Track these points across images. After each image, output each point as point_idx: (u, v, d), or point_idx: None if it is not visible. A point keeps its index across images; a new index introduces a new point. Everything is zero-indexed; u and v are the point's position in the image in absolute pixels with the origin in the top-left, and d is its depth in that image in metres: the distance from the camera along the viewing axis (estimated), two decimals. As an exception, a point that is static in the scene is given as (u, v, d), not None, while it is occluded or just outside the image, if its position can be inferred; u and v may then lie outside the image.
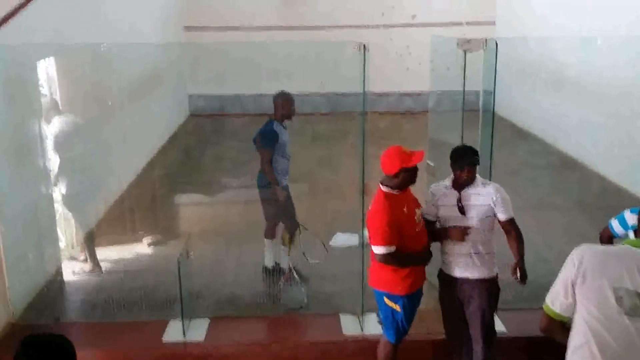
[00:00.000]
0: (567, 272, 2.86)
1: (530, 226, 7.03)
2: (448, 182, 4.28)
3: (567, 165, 9.51)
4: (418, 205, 4.22)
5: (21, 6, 5.68)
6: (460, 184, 4.21)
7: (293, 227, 5.87)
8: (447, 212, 4.24)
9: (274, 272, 5.97)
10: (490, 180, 4.57)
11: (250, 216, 6.51)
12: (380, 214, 4.02)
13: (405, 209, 4.06)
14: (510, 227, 4.21)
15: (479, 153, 4.34)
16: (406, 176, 4.04)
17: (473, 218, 4.16)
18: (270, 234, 6.09)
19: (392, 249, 4.00)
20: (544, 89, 10.79)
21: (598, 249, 2.95)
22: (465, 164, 4.17)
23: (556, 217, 7.43)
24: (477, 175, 4.24)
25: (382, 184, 4.13)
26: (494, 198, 4.16)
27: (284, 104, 5.89)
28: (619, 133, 8.40)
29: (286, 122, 5.95)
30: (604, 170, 8.80)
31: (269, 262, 6.07)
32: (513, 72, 10.76)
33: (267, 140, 5.76)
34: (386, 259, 4.04)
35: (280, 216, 6.02)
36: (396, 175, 4.03)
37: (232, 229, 7.14)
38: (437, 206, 4.28)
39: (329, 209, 7.39)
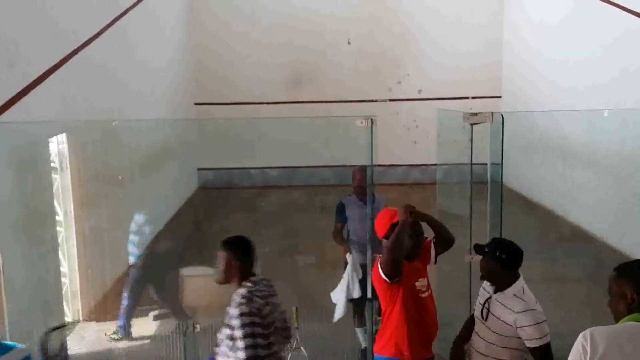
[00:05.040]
0: (577, 358, 2.67)
1: (543, 300, 6.94)
2: None
3: (578, 237, 9.41)
4: (421, 275, 4.16)
5: (34, 83, 5.83)
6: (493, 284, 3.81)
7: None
8: (476, 311, 3.90)
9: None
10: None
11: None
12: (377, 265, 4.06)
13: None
14: (537, 356, 3.61)
15: (491, 227, 4.22)
16: None
17: (491, 331, 3.72)
18: (359, 321, 5.92)
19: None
20: (552, 161, 10.83)
21: (607, 330, 2.74)
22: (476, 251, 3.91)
23: (570, 290, 7.30)
24: (518, 283, 3.70)
25: (379, 255, 4.14)
26: (516, 319, 3.59)
27: (353, 178, 6.03)
28: (631, 205, 8.35)
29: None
30: (616, 242, 8.69)
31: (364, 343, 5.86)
32: (521, 144, 10.83)
33: (336, 212, 5.99)
34: (383, 257, 3.94)
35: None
36: (386, 237, 4.08)
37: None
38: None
39: (336, 283, 7.28)
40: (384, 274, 3.95)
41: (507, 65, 13.49)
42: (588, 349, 2.64)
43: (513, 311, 3.59)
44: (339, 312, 5.77)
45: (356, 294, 5.63)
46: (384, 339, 4.16)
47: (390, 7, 13.54)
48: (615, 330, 2.77)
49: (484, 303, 3.77)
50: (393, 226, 4.04)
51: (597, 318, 2.87)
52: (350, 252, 5.73)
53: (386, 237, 4.08)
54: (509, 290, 3.67)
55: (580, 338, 2.69)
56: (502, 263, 3.67)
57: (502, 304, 3.67)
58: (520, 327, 3.56)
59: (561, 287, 7.39)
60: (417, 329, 4.05)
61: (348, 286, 5.64)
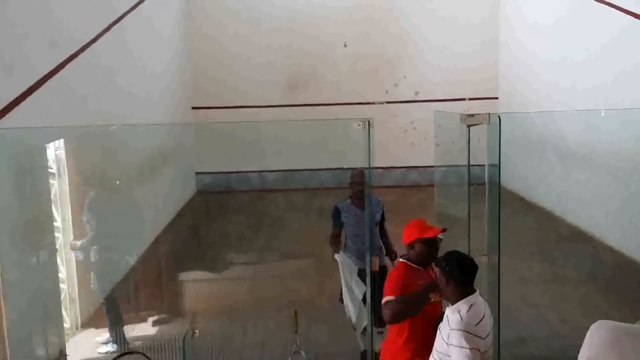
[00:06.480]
0: (585, 352, 2.64)
1: (543, 301, 6.93)
2: None
3: (577, 237, 9.41)
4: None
5: (31, 89, 5.82)
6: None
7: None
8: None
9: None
10: (499, 254, 4.39)
11: (256, 293, 6.42)
12: (393, 276, 4.04)
13: (420, 283, 3.99)
14: None
15: (489, 227, 4.20)
16: (423, 248, 4.03)
17: (437, 351, 3.49)
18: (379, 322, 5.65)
19: (392, 298, 3.87)
20: (550, 161, 10.83)
21: (616, 325, 2.64)
22: None
23: (569, 291, 7.29)
24: (469, 299, 3.44)
25: (401, 257, 4.16)
26: (449, 335, 3.35)
27: (350, 182, 5.90)
28: (630, 204, 8.35)
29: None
30: (615, 242, 8.69)
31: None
32: (519, 145, 10.82)
33: (332, 217, 5.85)
34: (390, 307, 3.86)
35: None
36: (411, 245, 4.06)
37: (238, 305, 7.03)
38: None
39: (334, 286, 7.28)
40: (387, 320, 3.91)
41: (503, 66, 13.49)
42: (588, 339, 2.65)
43: (449, 326, 3.36)
44: (353, 314, 5.63)
45: (358, 291, 5.53)
46: (395, 349, 4.05)
47: (386, 9, 13.54)
48: (627, 328, 2.68)
49: (438, 318, 3.67)
50: (419, 240, 4.01)
51: (596, 319, 2.86)
52: (338, 252, 5.63)
53: (410, 245, 4.06)
54: (455, 306, 3.44)
55: (591, 327, 2.70)
56: (446, 275, 3.49)
57: (445, 318, 3.47)
58: (449, 344, 3.31)
59: (560, 287, 7.38)
60: (428, 337, 4.01)
61: (350, 288, 5.56)
